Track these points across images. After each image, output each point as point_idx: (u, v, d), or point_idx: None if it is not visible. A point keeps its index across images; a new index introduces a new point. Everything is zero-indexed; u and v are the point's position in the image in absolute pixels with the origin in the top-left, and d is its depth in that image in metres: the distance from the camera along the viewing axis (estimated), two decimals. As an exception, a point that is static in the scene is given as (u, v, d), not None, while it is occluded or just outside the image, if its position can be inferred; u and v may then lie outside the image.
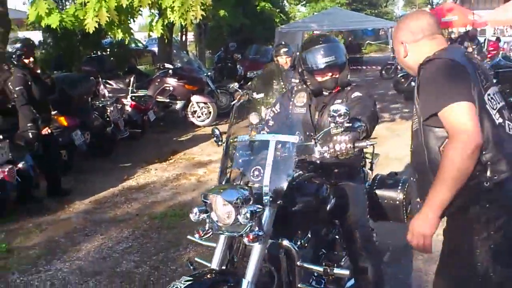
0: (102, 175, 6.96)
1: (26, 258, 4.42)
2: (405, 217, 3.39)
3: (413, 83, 6.83)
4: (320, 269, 2.56)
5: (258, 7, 16.48)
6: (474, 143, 1.96)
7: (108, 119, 7.68)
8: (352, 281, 3.05)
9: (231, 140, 2.65)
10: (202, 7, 5.86)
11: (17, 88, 5.58)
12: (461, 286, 2.23)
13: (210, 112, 10.02)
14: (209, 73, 11.47)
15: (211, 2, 6.29)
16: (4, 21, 8.23)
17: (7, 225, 5.17)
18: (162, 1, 5.80)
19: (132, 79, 9.01)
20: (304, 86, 3.16)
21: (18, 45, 5.75)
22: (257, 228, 2.23)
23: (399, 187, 3.40)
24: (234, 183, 2.49)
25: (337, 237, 3.14)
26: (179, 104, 9.86)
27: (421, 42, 2.29)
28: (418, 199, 2.33)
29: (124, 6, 5.59)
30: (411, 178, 2.46)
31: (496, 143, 2.07)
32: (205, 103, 9.98)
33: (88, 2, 5.64)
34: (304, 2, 36.37)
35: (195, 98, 9.87)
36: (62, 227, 5.18)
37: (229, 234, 2.34)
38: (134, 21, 6.37)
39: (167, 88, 9.99)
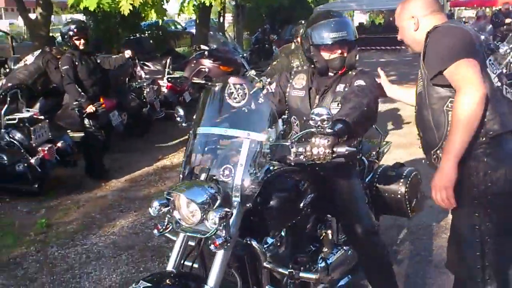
0: (138, 155, 7.17)
1: (64, 233, 4.65)
2: (409, 210, 3.24)
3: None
4: (286, 272, 2.42)
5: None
6: (481, 91, 2.11)
7: (144, 100, 7.83)
8: (346, 279, 3.00)
9: (199, 130, 2.42)
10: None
11: (63, 68, 5.83)
12: (465, 240, 2.39)
13: (245, 94, 10.07)
14: (244, 55, 11.53)
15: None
16: (46, 5, 8.52)
17: (47, 202, 5.43)
18: (192, -19, 5.88)
19: (168, 60, 9.14)
20: (305, 67, 3.00)
21: (70, 26, 5.94)
22: (223, 233, 2.09)
23: (402, 180, 3.22)
24: (200, 179, 2.26)
25: (329, 232, 2.95)
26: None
27: (431, 16, 2.43)
28: (425, 159, 2.53)
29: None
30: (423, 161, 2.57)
31: (493, 104, 2.21)
32: (241, 84, 10.03)
33: (123, -16, 5.77)
34: (344, -19, 35.80)
35: (231, 80, 9.92)
36: (98, 204, 5.41)
37: (192, 234, 2.21)
38: (167, 1, 6.45)
39: (203, 69, 10.10)
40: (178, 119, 2.61)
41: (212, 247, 2.07)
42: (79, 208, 5.28)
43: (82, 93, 5.85)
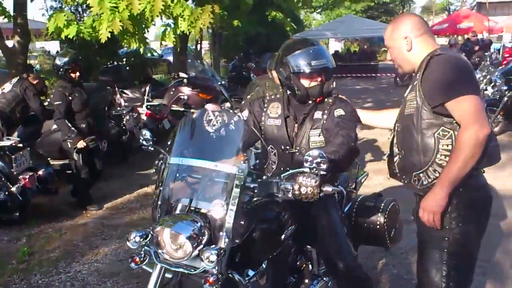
0: (119, 182, 7.17)
1: (47, 261, 4.61)
2: (388, 241, 3.24)
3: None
4: None
5: (269, 16, 16.61)
6: (486, 131, 2.18)
7: (124, 127, 7.89)
8: None
9: (171, 161, 2.32)
10: (212, 16, 6.00)
11: (55, 103, 5.77)
12: (432, 263, 2.47)
13: (224, 121, 10.15)
14: (223, 82, 11.63)
15: (222, 11, 6.43)
16: (24, 33, 8.52)
17: (28, 230, 5.38)
18: (173, 9, 5.96)
19: (147, 88, 9.22)
20: (278, 96, 2.95)
21: (66, 59, 5.85)
22: (215, 269, 2.06)
23: (380, 211, 3.22)
24: (177, 211, 2.22)
25: (309, 263, 2.99)
26: None
27: (423, 37, 2.49)
28: (403, 178, 2.55)
29: (135, 14, 5.76)
30: (393, 157, 2.61)
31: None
32: (219, 111, 10.11)
33: (103, 13, 5.83)
34: (319, 10, 36.55)
35: (209, 107, 10.03)
36: (80, 231, 5.38)
37: (176, 269, 2.16)
38: (148, 30, 6.54)
39: (182, 97, 10.16)
40: (144, 142, 2.49)
41: (206, 285, 2.02)
42: (61, 236, 5.24)
43: (72, 128, 5.79)
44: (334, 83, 2.87)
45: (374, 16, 35.53)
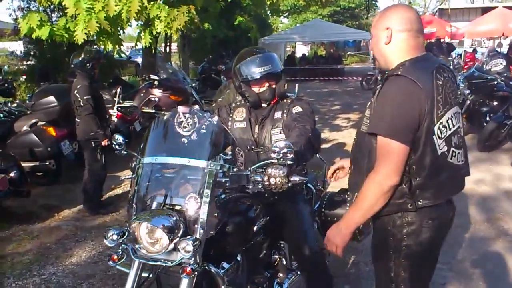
0: (90, 184, 7.08)
1: (20, 264, 4.57)
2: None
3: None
4: None
5: (235, 22, 16.69)
6: (390, 184, 2.10)
7: (95, 129, 7.80)
8: None
9: (145, 160, 2.37)
10: (187, 17, 6.01)
11: (85, 97, 5.61)
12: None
13: (195, 123, 10.16)
14: (193, 84, 11.65)
15: (195, 13, 6.44)
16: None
17: (0, 233, 5.30)
18: (150, 11, 5.96)
19: (118, 90, 9.13)
20: (243, 101, 3.14)
21: (89, 55, 5.84)
22: (192, 260, 2.14)
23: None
24: (155, 207, 2.26)
25: (283, 258, 3.10)
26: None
27: (407, 34, 2.21)
28: (348, 194, 2.51)
29: (112, 15, 5.74)
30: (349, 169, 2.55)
31: (432, 172, 2.16)
32: (190, 113, 10.11)
33: (78, 14, 5.78)
34: (286, 14, 36.82)
35: (180, 109, 9.99)
36: (53, 234, 5.33)
37: (154, 263, 2.20)
38: (124, 32, 6.51)
39: (153, 99, 10.13)
40: (117, 147, 2.54)
41: (184, 275, 2.08)
42: (33, 239, 5.18)
43: (102, 126, 5.75)
44: (286, 85, 3.09)
45: (340, 20, 36.05)
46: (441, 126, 2.15)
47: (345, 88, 19.21)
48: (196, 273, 2.13)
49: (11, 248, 4.93)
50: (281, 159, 2.25)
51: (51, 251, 4.88)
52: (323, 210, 3.42)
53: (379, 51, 2.31)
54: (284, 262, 3.10)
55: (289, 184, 2.32)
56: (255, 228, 2.72)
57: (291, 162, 2.28)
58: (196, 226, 2.20)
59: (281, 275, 3.06)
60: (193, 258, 2.13)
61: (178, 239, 2.12)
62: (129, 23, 6.15)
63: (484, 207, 5.61)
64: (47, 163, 6.78)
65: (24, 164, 6.17)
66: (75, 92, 5.65)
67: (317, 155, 3.85)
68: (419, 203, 2.19)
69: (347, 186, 2.52)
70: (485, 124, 8.39)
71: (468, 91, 8.76)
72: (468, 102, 8.79)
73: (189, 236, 2.13)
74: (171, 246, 2.12)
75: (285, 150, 2.23)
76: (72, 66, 5.89)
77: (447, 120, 2.18)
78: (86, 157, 5.91)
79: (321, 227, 3.40)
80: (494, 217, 5.38)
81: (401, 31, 2.21)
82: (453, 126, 2.23)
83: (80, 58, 5.80)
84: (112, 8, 5.43)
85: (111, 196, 6.58)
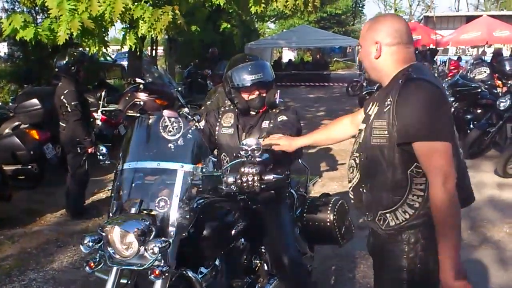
0: (73, 188, 7.00)
1: (-1, 269, 4.49)
2: (340, 238, 3.36)
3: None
4: None
5: (221, 26, 16.72)
6: (453, 183, 1.94)
7: (79, 132, 7.71)
8: None
9: (127, 166, 2.38)
10: (172, 18, 5.98)
11: (73, 103, 5.49)
12: None
13: (180, 127, 10.12)
14: (179, 88, 11.59)
15: (181, 16, 6.42)
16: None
17: (-21, 237, 5.21)
18: (134, 12, 5.92)
19: (103, 93, 9.08)
20: (232, 107, 3.13)
21: (73, 58, 5.68)
22: (162, 262, 2.11)
23: (329, 208, 3.36)
24: (132, 212, 2.23)
25: (264, 263, 3.06)
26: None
27: (397, 47, 2.15)
28: (366, 214, 2.25)
29: (95, 15, 5.69)
30: (353, 187, 2.31)
31: (461, 175, 2.07)
32: (175, 117, 10.07)
33: (61, 15, 5.73)
34: (273, 19, 36.91)
35: (165, 113, 9.93)
36: (34, 239, 5.25)
37: (127, 267, 2.18)
38: (107, 33, 6.47)
39: (138, 102, 10.04)
40: (101, 157, 2.57)
41: (152, 277, 2.07)
42: (14, 244, 5.11)
43: (89, 133, 5.66)
44: (277, 94, 3.06)
45: (327, 26, 36.22)
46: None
47: (331, 94, 19.29)
48: (167, 274, 2.12)
49: (-9, 253, 4.85)
50: (250, 157, 2.26)
51: (32, 256, 4.81)
52: (305, 215, 3.42)
53: (370, 64, 2.25)
54: (266, 267, 3.07)
55: (263, 184, 2.30)
56: (233, 232, 2.70)
57: (260, 159, 2.28)
58: (168, 229, 2.21)
59: (263, 280, 3.04)
60: (162, 261, 2.11)
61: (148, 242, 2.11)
62: (113, 24, 6.09)
63: (467, 215, 5.62)
64: (29, 167, 6.68)
65: (6, 168, 6.09)
66: (62, 97, 5.55)
67: (300, 160, 3.84)
68: None
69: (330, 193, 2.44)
70: (468, 131, 8.47)
71: (452, 99, 8.84)
72: (452, 109, 8.87)
73: (157, 238, 2.12)
74: (142, 250, 2.10)
75: (254, 147, 2.25)
76: (57, 69, 5.80)
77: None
78: (69, 162, 5.84)
79: (303, 233, 3.43)
80: (477, 224, 5.41)
81: (390, 44, 2.15)
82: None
83: (64, 61, 5.68)
84: (95, 8, 5.41)
85: (94, 201, 6.51)
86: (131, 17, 5.99)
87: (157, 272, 2.06)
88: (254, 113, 3.05)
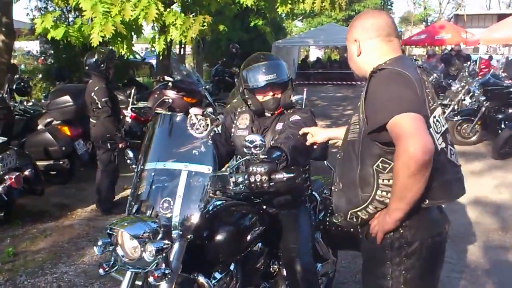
0: (103, 184, 7.12)
1: (32, 262, 4.60)
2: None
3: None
4: None
5: (251, 23, 16.77)
6: (418, 148, 1.80)
7: (109, 129, 7.84)
8: None
9: (142, 167, 2.40)
10: (202, 25, 6.04)
11: (103, 99, 5.60)
12: None
13: (207, 125, 10.19)
14: (207, 86, 11.66)
15: (211, 18, 6.47)
16: (9, 32, 8.47)
17: (13, 231, 5.35)
18: (166, 18, 6.00)
19: (133, 91, 9.19)
20: (248, 108, 3.02)
21: (103, 56, 5.79)
22: (163, 265, 2.08)
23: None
24: (143, 214, 2.25)
25: (282, 268, 2.94)
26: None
27: (376, 41, 2.12)
28: (338, 214, 2.21)
29: (127, 20, 5.78)
30: (333, 188, 2.28)
31: (436, 169, 1.92)
32: (202, 115, 10.15)
33: (95, 17, 5.83)
34: (300, 18, 36.77)
35: (193, 111, 10.00)
36: (66, 233, 5.36)
37: (134, 270, 2.15)
38: (138, 36, 6.56)
39: (166, 100, 10.12)
40: (128, 161, 2.56)
41: (151, 279, 2.04)
42: (46, 237, 5.22)
43: (119, 129, 5.78)
44: (293, 96, 2.95)
45: (355, 25, 35.92)
46: (435, 119, 2.01)
47: (359, 92, 19.06)
48: (169, 277, 2.08)
49: (24, 246, 4.97)
50: (253, 155, 2.21)
51: (63, 250, 4.91)
52: (327, 218, 3.27)
53: (354, 64, 2.23)
54: (284, 273, 2.95)
55: (272, 183, 2.23)
56: (249, 237, 2.60)
57: (264, 156, 2.22)
58: (171, 231, 2.19)
59: (280, 285, 2.95)
60: (163, 264, 2.08)
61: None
62: (143, 28, 6.19)
63: (498, 216, 5.55)
64: (61, 162, 6.83)
65: (38, 163, 6.22)
66: (92, 94, 5.65)
67: (325, 162, 3.81)
68: (425, 202, 1.97)
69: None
70: (500, 131, 8.33)
71: (483, 98, 8.71)
72: (483, 108, 8.75)
73: (158, 241, 2.09)
74: (146, 253, 2.06)
75: (257, 143, 2.19)
76: (87, 67, 5.90)
77: (439, 115, 2.06)
78: (100, 158, 5.93)
79: (325, 236, 3.29)
80: (508, 225, 5.32)
81: (368, 39, 2.13)
82: (444, 125, 2.09)
83: (94, 59, 5.78)
84: (128, 13, 5.48)
85: (123, 197, 6.59)
86: (163, 22, 6.06)
87: (156, 275, 2.02)
88: (269, 114, 2.94)
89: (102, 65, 5.78)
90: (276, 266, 2.95)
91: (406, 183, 1.86)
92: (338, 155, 2.23)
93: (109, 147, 5.81)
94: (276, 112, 2.93)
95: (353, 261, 4.35)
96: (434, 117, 2.01)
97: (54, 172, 6.90)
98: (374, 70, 2.04)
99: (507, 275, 4.21)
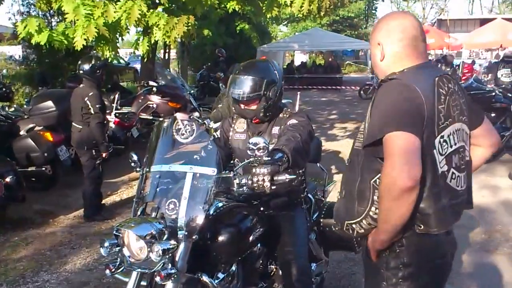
0: (86, 190, 7.04)
1: (13, 270, 4.52)
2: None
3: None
4: None
5: (237, 28, 16.77)
6: (401, 184, 1.74)
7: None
8: None
9: (147, 169, 2.46)
10: (186, 26, 6.01)
11: (97, 106, 5.59)
12: None
13: (193, 130, 10.14)
14: (192, 91, 11.62)
15: (195, 21, 6.44)
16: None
17: (-6, 238, 5.26)
18: (149, 19, 5.95)
19: (116, 96, 9.12)
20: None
21: (97, 63, 5.79)
22: (170, 265, 2.13)
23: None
24: (149, 216, 2.33)
25: (280, 269, 2.99)
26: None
27: (400, 45, 1.99)
28: (336, 223, 2.19)
29: (110, 22, 5.72)
30: (337, 193, 2.23)
31: (434, 194, 1.88)
32: (188, 120, 10.09)
33: (77, 20, 5.77)
34: (285, 22, 36.90)
35: (179, 116, 9.98)
36: (48, 240, 5.28)
37: (141, 270, 2.19)
38: (122, 39, 6.51)
39: (151, 105, 10.10)
40: (133, 164, 2.62)
41: (157, 279, 2.10)
42: (28, 245, 5.14)
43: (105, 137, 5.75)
44: (263, 107, 2.87)
45: (339, 29, 36.10)
46: (441, 140, 1.89)
47: (343, 97, 19.24)
48: (175, 277, 2.13)
49: (5, 254, 4.89)
50: (257, 157, 2.23)
51: (45, 257, 4.84)
52: (321, 220, 3.37)
53: (377, 68, 2.12)
54: (281, 273, 3.01)
55: (275, 184, 2.28)
56: (251, 238, 2.68)
57: (268, 158, 2.26)
58: (177, 231, 2.23)
59: (278, 285, 3.01)
60: (170, 264, 2.14)
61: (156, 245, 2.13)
62: (128, 30, 6.14)
63: (481, 219, 5.58)
64: (43, 169, 6.72)
65: (20, 169, 6.13)
66: (86, 99, 5.62)
67: (318, 164, 3.84)
68: (420, 227, 1.91)
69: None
70: (482, 135, 8.38)
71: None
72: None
73: (164, 241, 2.15)
74: (153, 253, 2.12)
75: (261, 145, 2.22)
76: (81, 72, 5.83)
77: (448, 135, 1.93)
78: (84, 164, 5.87)
79: (318, 239, 3.39)
80: (491, 229, 5.36)
81: (392, 42, 1.99)
82: (455, 144, 1.96)
83: (90, 65, 5.76)
84: (111, 15, 5.43)
85: (107, 203, 6.53)
86: (146, 23, 6.02)
87: (162, 275, 2.08)
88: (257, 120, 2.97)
89: (98, 71, 5.79)
90: (273, 266, 3.03)
91: (390, 206, 1.81)
92: (346, 161, 2.20)
93: (93, 153, 5.75)
94: (254, 121, 2.97)
95: (337, 266, 4.34)
96: (442, 137, 1.90)
97: (36, 179, 6.80)
98: (385, 79, 1.97)
99: (491, 278, 4.24)
